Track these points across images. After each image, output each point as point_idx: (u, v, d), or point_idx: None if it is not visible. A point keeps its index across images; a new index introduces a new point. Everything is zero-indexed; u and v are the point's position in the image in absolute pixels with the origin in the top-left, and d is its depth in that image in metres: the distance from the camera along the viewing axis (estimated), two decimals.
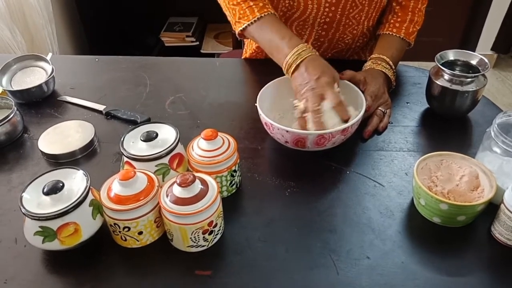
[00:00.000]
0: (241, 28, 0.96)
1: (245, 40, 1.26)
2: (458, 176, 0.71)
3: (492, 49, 2.58)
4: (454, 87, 0.86)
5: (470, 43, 2.57)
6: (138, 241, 0.67)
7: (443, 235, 0.69)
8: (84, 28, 2.27)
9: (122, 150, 0.73)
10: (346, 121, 0.80)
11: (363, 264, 0.65)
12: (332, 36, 1.07)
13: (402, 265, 0.65)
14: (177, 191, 0.63)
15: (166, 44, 2.56)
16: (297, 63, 0.85)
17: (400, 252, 0.66)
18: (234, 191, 0.77)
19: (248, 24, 0.94)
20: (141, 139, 0.74)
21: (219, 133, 0.73)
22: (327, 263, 0.65)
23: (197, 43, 2.55)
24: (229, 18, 1.00)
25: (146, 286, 0.63)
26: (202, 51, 2.54)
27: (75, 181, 0.67)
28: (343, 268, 0.64)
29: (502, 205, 0.65)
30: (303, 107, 0.82)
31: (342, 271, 0.64)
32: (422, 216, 0.71)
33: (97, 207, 0.67)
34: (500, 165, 0.72)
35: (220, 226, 0.69)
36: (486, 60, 0.87)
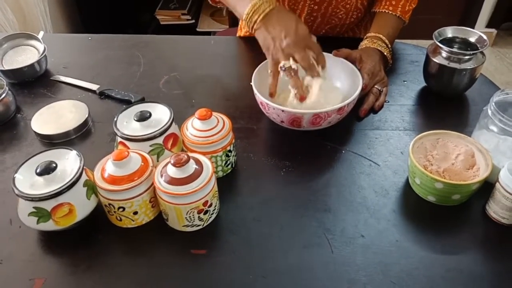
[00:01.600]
0: None
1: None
2: (454, 155, 0.71)
3: (486, 26, 2.55)
4: (452, 64, 0.85)
5: (469, 21, 2.53)
6: (133, 221, 0.67)
7: (438, 214, 0.69)
8: (77, 6, 2.22)
9: (115, 130, 0.72)
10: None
11: (357, 243, 0.65)
12: (325, 11, 1.05)
13: (397, 243, 0.65)
14: (172, 171, 0.63)
15: (161, 23, 2.52)
16: (262, 15, 0.81)
17: (394, 230, 0.67)
18: (229, 171, 0.77)
19: None
20: (134, 119, 0.73)
21: (214, 113, 0.72)
22: (322, 242, 0.65)
23: (193, 21, 2.51)
24: None
25: (142, 266, 0.64)
26: (198, 29, 2.50)
27: (69, 161, 0.67)
28: (338, 247, 0.65)
29: (497, 184, 0.65)
30: (293, 66, 0.79)
31: (337, 249, 0.64)
32: (417, 195, 0.71)
33: (92, 188, 0.67)
34: (496, 143, 0.71)
35: (215, 206, 0.68)
36: (485, 37, 0.86)
